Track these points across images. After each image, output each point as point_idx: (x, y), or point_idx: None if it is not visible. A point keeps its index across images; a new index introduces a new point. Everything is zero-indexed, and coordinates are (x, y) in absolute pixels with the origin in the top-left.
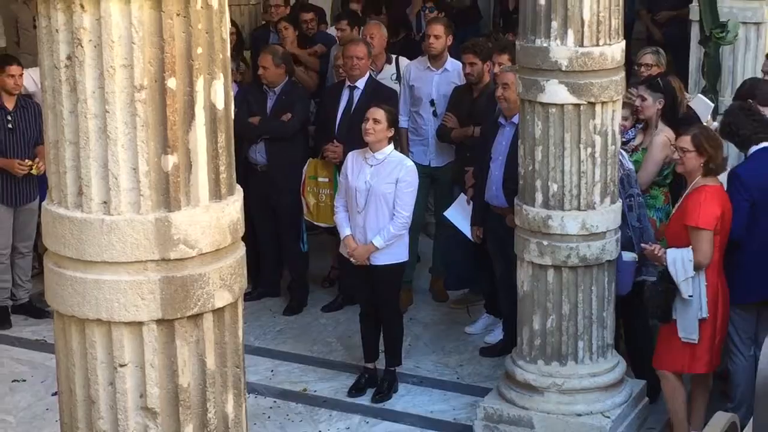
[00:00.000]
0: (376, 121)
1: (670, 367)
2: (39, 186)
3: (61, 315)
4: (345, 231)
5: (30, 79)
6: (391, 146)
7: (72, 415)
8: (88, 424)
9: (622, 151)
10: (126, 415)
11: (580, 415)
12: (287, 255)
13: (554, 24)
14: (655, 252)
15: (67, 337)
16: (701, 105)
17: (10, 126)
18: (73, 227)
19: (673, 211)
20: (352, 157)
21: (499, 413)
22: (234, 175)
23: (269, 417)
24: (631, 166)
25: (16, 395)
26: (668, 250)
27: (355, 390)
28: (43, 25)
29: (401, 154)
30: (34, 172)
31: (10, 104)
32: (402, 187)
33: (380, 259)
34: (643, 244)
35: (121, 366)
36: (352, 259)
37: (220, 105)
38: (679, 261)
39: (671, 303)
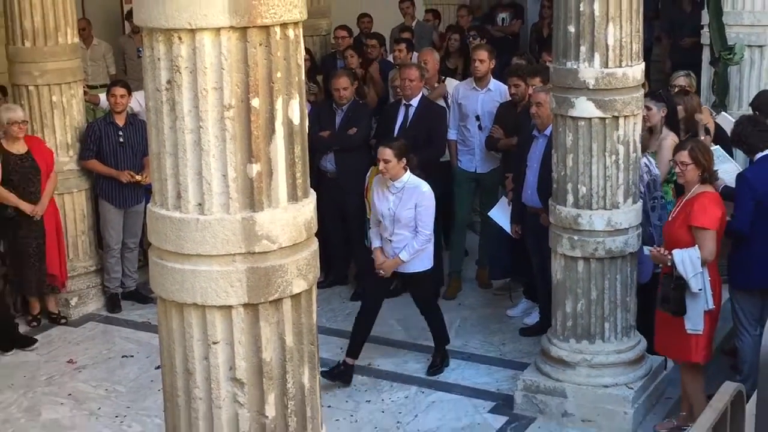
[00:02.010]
0: (386, 161)
1: (673, 354)
2: (144, 191)
3: (164, 300)
4: (376, 243)
5: (136, 101)
6: (408, 173)
7: (173, 384)
8: (186, 393)
9: (651, 159)
10: (218, 385)
11: (606, 386)
12: (354, 249)
13: (583, 49)
14: (661, 253)
15: (168, 319)
16: (726, 121)
17: (121, 140)
18: (173, 225)
19: (674, 214)
20: (376, 182)
21: (536, 384)
22: (308, 181)
23: (339, 387)
24: (657, 172)
25: (126, 368)
26: (675, 251)
27: (329, 375)
28: (147, 54)
29: (418, 179)
30: (140, 180)
31: (120, 122)
32: (421, 210)
33: (409, 269)
34: (649, 248)
35: (214, 343)
36: (381, 271)
37: (296, 121)
38: (687, 259)
39: (685, 298)
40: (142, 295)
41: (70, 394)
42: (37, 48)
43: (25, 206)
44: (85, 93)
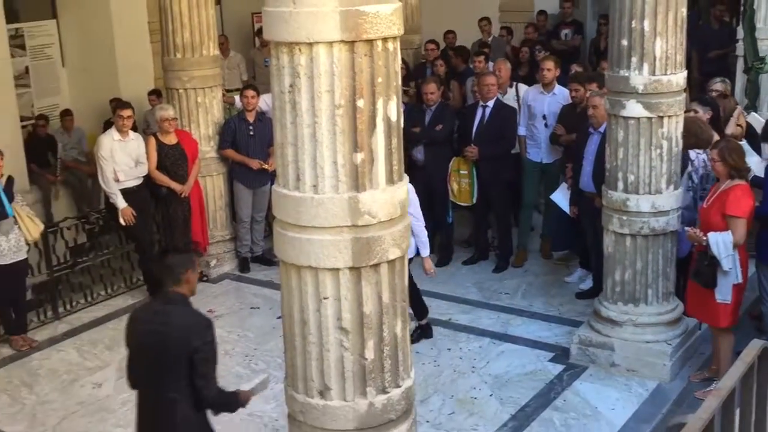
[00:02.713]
0: None
1: (703, 319)
2: (269, 175)
3: (285, 263)
4: (425, 252)
5: (264, 102)
6: None
7: (291, 331)
8: (302, 338)
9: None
10: (327, 332)
11: (648, 342)
12: (438, 224)
13: (634, 59)
14: (697, 234)
15: (288, 278)
16: (756, 121)
17: (251, 133)
18: (293, 202)
19: (709, 202)
20: None
21: (589, 339)
22: (402, 167)
23: (424, 338)
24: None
25: (253, 318)
26: (710, 234)
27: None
28: (274, 63)
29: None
30: (266, 167)
31: (251, 118)
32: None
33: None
34: (687, 229)
35: (324, 298)
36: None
37: (393, 118)
38: (720, 242)
39: (716, 273)
40: (267, 259)
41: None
42: (186, 59)
43: (175, 186)
44: (223, 95)
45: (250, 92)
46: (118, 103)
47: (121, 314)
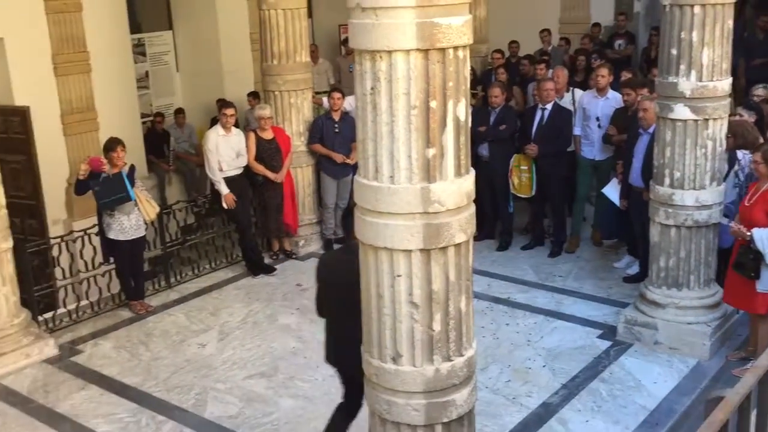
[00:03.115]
0: None
1: (741, 306)
2: (351, 167)
3: (364, 244)
4: None
5: (348, 103)
6: None
7: (368, 304)
8: (378, 310)
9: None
10: (400, 306)
11: (689, 323)
12: (500, 213)
13: (682, 67)
14: (741, 230)
15: (366, 257)
16: None
17: (336, 130)
18: (372, 191)
19: (751, 200)
20: None
21: (634, 319)
22: (469, 162)
23: (486, 313)
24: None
25: None
26: (755, 230)
27: None
28: (357, 69)
29: None
30: (349, 162)
31: (337, 117)
32: None
33: None
34: (731, 224)
35: (398, 276)
36: None
37: (462, 118)
38: (765, 238)
39: (760, 266)
40: None
41: (297, 308)
42: (281, 64)
43: (271, 175)
44: (312, 97)
45: (337, 94)
46: (222, 103)
47: (223, 285)
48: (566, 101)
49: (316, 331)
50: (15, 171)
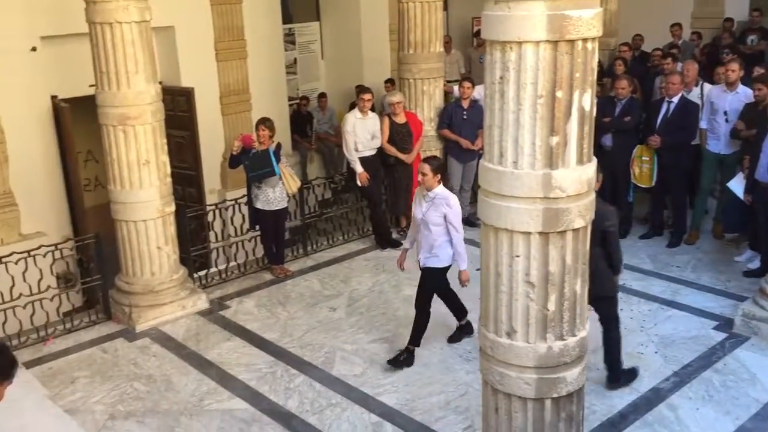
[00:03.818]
0: (423, 174)
1: None
2: (476, 152)
3: (486, 224)
4: (405, 245)
5: (477, 92)
6: (440, 186)
7: (487, 281)
8: (496, 288)
9: None
10: (517, 284)
11: None
12: (619, 202)
13: None
14: None
15: (487, 237)
16: None
17: (464, 117)
18: (496, 175)
19: None
20: (417, 191)
21: (752, 313)
22: (591, 151)
23: None
24: None
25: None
26: None
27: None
28: (488, 59)
29: (447, 192)
30: (474, 148)
31: (465, 105)
32: (451, 217)
33: (427, 263)
34: None
35: (516, 256)
36: (466, 284)
37: (587, 108)
38: None
39: None
40: (471, 221)
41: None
42: (416, 54)
43: (401, 156)
44: (444, 85)
45: (467, 83)
46: (361, 89)
47: (354, 256)
48: (694, 95)
49: (436, 303)
50: (179, 145)
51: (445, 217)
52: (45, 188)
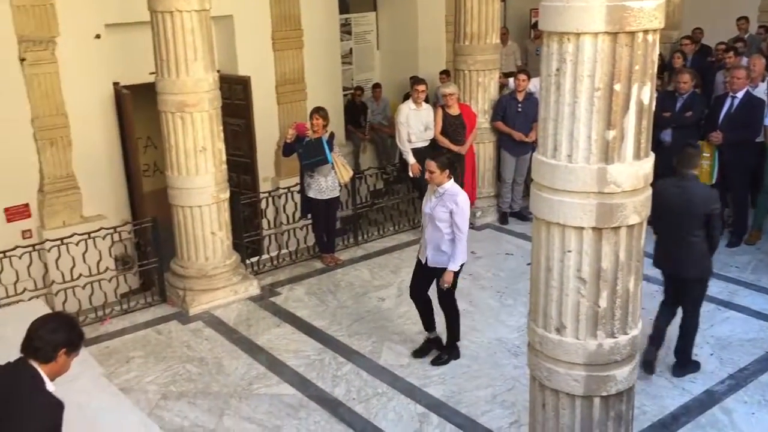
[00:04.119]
0: (430, 171)
1: None
2: (530, 145)
3: (538, 218)
4: (452, 266)
5: (532, 84)
6: (450, 182)
7: (537, 276)
8: (546, 283)
9: None
10: (568, 280)
11: None
12: None
13: None
14: None
15: (539, 231)
16: None
17: (519, 110)
18: (550, 169)
19: None
20: (428, 188)
21: None
22: (649, 146)
23: (655, 296)
24: None
25: (507, 262)
26: None
27: (418, 352)
28: (544, 51)
29: (457, 188)
30: (528, 140)
31: (520, 97)
32: (456, 216)
33: (437, 263)
34: None
35: (568, 251)
36: (444, 286)
37: (645, 102)
38: None
39: None
40: (523, 215)
41: (470, 274)
42: (472, 45)
43: (454, 148)
44: (499, 77)
45: (522, 76)
46: (415, 80)
47: (404, 247)
48: (760, 91)
49: (485, 296)
50: (235, 132)
51: (451, 214)
52: (106, 173)
